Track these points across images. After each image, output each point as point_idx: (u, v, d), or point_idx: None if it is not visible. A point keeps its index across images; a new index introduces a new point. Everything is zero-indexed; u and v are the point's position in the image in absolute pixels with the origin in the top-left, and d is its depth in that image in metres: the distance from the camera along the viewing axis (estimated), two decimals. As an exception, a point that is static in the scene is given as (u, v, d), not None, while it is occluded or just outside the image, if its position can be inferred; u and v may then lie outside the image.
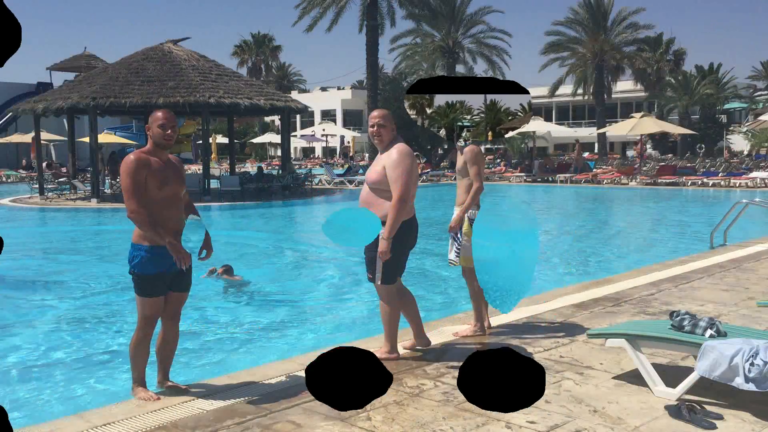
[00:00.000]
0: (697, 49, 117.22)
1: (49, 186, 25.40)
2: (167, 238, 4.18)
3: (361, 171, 33.04)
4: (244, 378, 4.77)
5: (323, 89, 73.05)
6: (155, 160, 4.28)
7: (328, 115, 64.43)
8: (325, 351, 5.28)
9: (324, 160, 49.87)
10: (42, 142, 28.58)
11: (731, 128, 48.99)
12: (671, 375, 4.50)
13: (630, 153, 49.10)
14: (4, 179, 36.38)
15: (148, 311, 4.35)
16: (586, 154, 44.12)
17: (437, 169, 35.87)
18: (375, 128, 4.99)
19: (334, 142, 57.27)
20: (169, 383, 4.58)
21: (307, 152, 65.20)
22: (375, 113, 5.08)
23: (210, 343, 6.68)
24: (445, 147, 39.54)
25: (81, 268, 11.37)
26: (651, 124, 31.04)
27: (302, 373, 4.81)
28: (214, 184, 24.53)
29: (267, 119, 59.77)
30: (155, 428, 3.93)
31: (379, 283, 4.99)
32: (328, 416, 4.07)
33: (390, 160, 4.89)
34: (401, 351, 5.28)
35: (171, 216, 4.32)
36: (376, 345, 5.28)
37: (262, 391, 4.49)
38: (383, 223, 4.80)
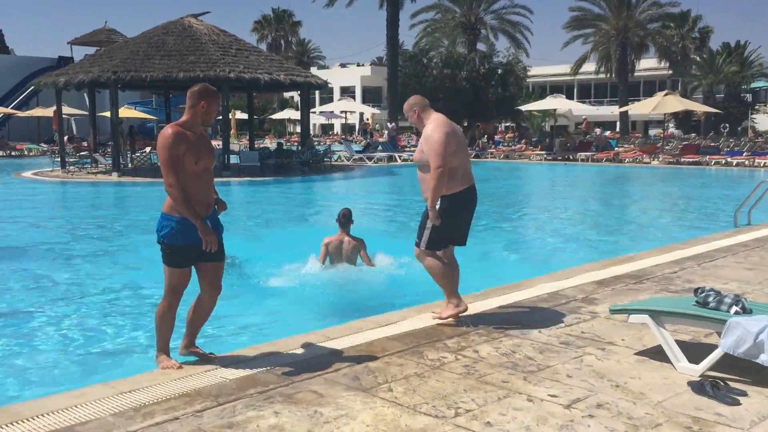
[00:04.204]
0: (723, 26, 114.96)
1: (71, 159, 25.61)
2: (199, 221, 4.20)
3: (380, 147, 32.95)
4: (267, 349, 4.80)
5: (343, 66, 72.72)
6: (191, 134, 4.29)
7: (347, 92, 64.20)
8: (348, 324, 5.30)
9: (343, 136, 49.79)
10: (63, 115, 28.76)
11: (756, 107, 48.24)
12: (694, 352, 4.47)
13: (652, 132, 48.59)
14: (26, 153, 36.71)
15: (175, 281, 4.37)
16: (607, 133, 43.72)
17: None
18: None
19: (353, 119, 57.12)
20: (195, 349, 4.62)
21: (326, 129, 65.13)
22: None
23: (230, 315, 6.71)
24: (465, 124, 39.29)
25: (105, 240, 11.48)
26: (675, 103, 30.60)
27: (324, 345, 4.85)
28: (233, 159, 24.59)
29: (286, 95, 59.69)
30: (179, 395, 3.97)
31: (422, 247, 5.33)
32: (349, 387, 4.09)
33: (424, 136, 5.28)
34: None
35: (203, 189, 4.35)
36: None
37: (284, 362, 4.52)
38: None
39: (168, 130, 4.23)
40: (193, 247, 4.30)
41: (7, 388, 4.98)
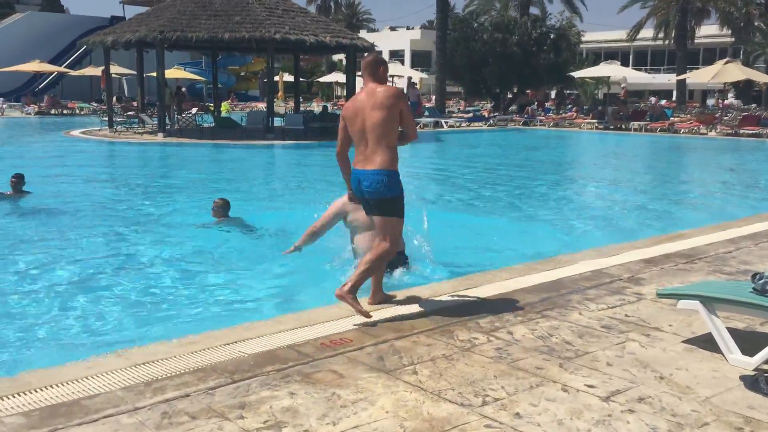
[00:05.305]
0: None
1: (118, 119, 25.78)
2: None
3: (427, 113, 32.47)
4: (289, 323, 4.60)
5: (392, 29, 71.73)
6: None
7: (396, 55, 63.28)
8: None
9: (390, 101, 49.19)
10: (114, 75, 28.92)
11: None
12: (748, 342, 4.12)
13: (710, 102, 46.84)
14: (77, 111, 37.21)
15: (402, 227, 4.82)
16: (663, 102, 42.34)
17: (507, 113, 34.93)
18: None
19: (401, 83, 56.40)
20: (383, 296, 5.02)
21: (374, 93, 64.49)
22: None
23: (255, 284, 6.54)
24: (515, 90, 38.39)
25: (138, 202, 11.44)
26: (736, 72, 29.16)
27: (348, 320, 4.62)
28: (278, 122, 24.43)
29: (334, 58, 59.22)
30: (193, 370, 3.80)
31: None
32: (372, 367, 3.86)
33: None
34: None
35: None
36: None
37: (306, 337, 4.31)
38: None
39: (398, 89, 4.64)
40: None
41: (25, 354, 4.89)
